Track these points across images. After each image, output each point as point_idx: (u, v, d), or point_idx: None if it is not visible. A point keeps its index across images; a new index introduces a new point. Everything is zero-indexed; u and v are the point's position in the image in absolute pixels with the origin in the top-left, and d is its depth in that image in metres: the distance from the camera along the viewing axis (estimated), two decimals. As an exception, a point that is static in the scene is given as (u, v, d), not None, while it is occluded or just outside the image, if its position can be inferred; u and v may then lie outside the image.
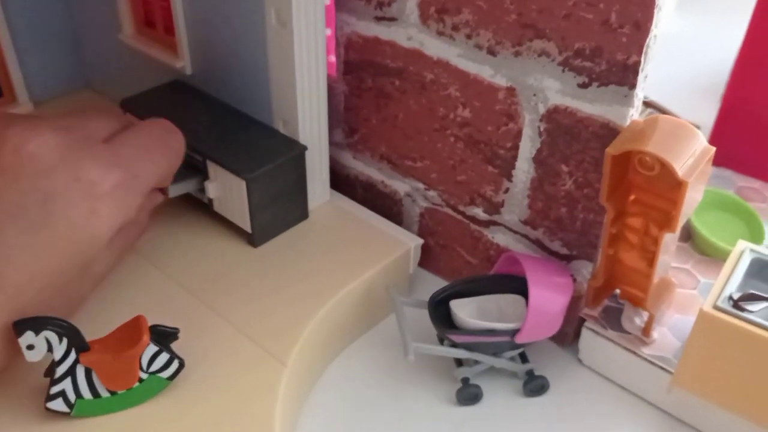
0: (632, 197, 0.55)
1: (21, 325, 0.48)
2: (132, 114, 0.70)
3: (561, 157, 0.58)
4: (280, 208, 0.66)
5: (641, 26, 0.49)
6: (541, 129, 0.58)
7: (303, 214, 0.68)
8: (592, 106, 0.54)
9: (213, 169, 0.64)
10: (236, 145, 0.64)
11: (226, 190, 0.64)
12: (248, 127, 0.67)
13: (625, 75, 0.51)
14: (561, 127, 0.56)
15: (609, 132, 0.54)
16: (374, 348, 0.65)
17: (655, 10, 0.48)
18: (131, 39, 0.77)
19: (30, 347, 0.48)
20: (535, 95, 0.57)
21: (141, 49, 0.76)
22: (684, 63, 1.01)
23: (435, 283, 0.71)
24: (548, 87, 0.56)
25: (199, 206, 0.68)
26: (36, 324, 0.48)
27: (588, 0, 0.51)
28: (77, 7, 0.84)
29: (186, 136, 0.61)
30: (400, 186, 0.72)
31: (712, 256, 0.68)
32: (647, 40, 0.49)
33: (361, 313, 0.65)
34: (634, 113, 0.53)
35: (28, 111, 0.86)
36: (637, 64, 0.50)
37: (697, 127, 0.53)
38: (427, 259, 0.72)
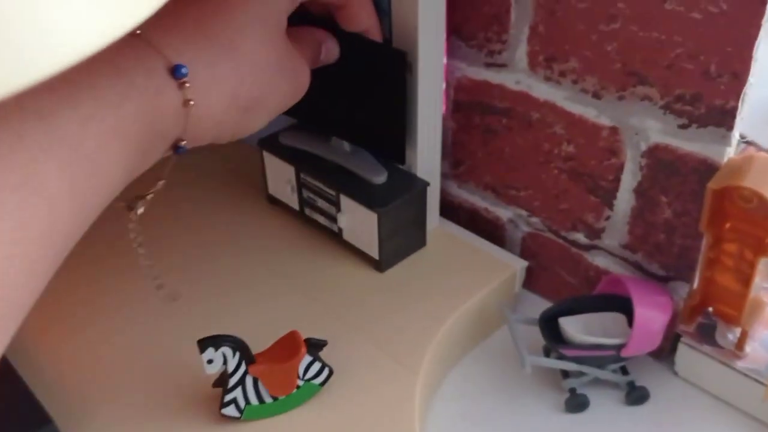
0: (728, 225, 0.61)
1: (203, 343, 0.57)
2: (267, 151, 0.79)
3: (661, 188, 0.64)
4: (403, 237, 0.73)
5: (739, 76, 0.55)
6: (642, 164, 0.64)
7: (422, 241, 0.76)
8: (691, 144, 0.60)
9: (345, 202, 0.72)
10: (363, 180, 0.72)
11: (357, 221, 0.72)
12: None
13: (723, 118, 0.58)
14: (661, 162, 0.63)
15: (707, 167, 0.60)
16: (486, 358, 0.72)
17: (752, 62, 0.55)
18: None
19: (210, 361, 0.57)
20: (637, 134, 0.63)
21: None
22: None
23: (537, 302, 0.78)
24: (650, 127, 0.62)
25: (329, 235, 0.77)
26: (215, 341, 0.57)
27: (689, 52, 0.57)
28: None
29: (319, 174, 0.70)
30: (503, 213, 0.79)
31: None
32: (744, 88, 0.56)
33: (474, 328, 0.72)
34: (731, 151, 0.60)
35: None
36: (735, 109, 0.57)
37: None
38: (528, 280, 0.78)
